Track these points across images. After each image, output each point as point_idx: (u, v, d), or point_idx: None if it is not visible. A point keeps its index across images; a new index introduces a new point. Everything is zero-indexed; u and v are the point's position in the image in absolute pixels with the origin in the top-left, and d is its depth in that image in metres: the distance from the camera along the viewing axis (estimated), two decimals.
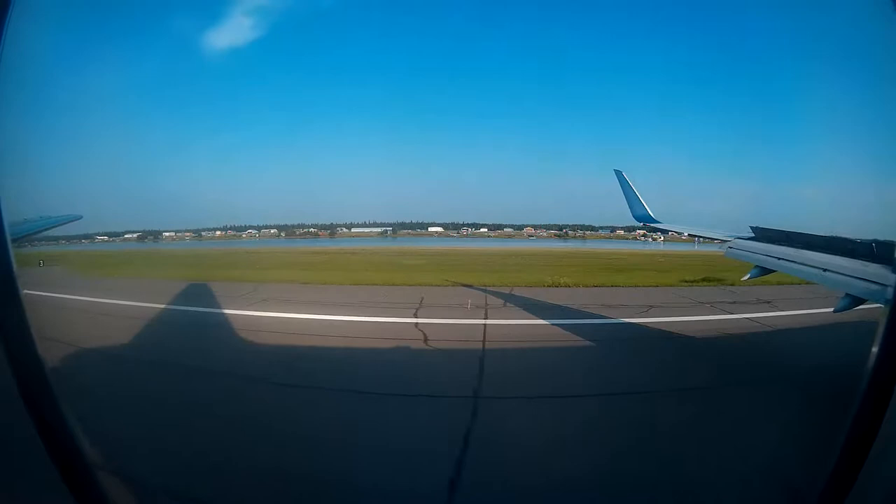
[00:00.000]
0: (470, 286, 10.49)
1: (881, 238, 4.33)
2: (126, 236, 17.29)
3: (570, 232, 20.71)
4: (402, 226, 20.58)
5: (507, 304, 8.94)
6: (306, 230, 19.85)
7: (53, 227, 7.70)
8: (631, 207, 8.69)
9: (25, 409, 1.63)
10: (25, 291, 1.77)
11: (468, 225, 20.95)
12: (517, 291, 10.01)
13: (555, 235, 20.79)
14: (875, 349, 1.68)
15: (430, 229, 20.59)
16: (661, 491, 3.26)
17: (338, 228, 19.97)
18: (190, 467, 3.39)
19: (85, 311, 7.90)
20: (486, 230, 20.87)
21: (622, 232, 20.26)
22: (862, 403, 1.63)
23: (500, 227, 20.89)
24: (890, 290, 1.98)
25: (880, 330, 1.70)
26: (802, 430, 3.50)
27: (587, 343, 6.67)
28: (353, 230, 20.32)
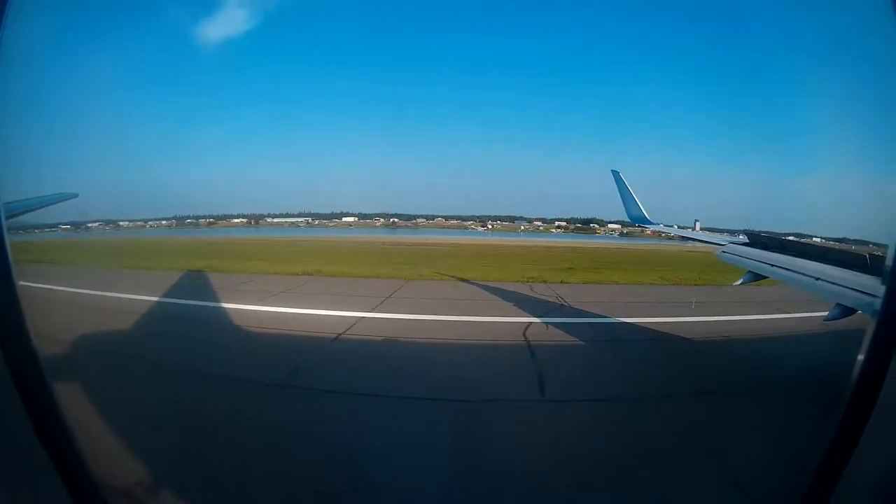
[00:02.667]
0: None
1: (878, 231, 4.37)
2: (89, 225, 16.63)
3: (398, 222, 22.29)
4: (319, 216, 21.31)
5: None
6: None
7: (47, 205, 7.61)
8: (626, 208, 8.80)
9: (23, 407, 1.63)
10: (21, 283, 1.77)
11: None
12: None
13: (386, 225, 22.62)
14: (860, 357, 1.72)
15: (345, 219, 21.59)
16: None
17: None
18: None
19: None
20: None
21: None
22: (846, 411, 1.67)
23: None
24: (878, 301, 2.01)
25: (866, 339, 1.74)
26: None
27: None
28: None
